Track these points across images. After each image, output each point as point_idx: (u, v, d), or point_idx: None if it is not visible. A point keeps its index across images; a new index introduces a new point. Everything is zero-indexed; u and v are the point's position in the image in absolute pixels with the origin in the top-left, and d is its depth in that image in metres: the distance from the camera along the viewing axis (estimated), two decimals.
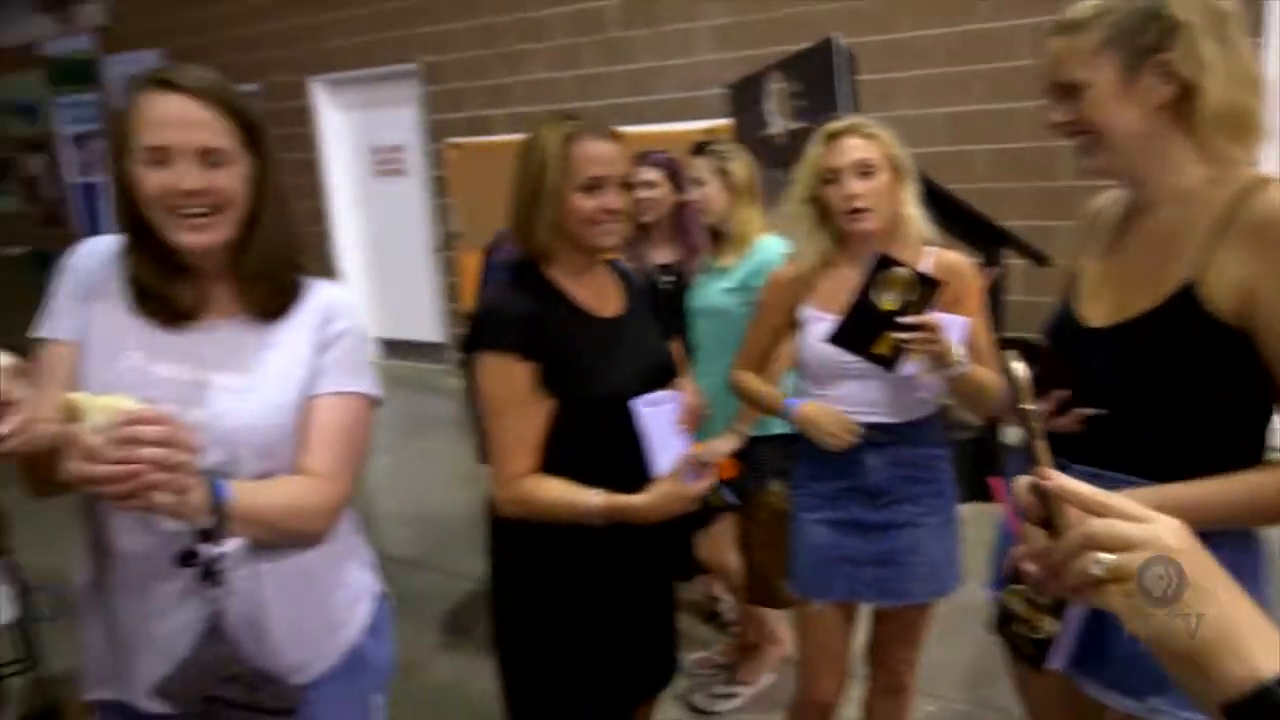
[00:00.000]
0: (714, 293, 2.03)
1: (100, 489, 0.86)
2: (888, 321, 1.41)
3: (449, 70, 4.94)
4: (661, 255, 2.17)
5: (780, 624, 2.23)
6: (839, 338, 1.45)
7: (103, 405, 0.86)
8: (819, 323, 1.52)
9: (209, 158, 1.01)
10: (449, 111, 5.01)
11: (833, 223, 1.52)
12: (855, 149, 1.47)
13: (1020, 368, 0.59)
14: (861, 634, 1.67)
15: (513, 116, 4.73)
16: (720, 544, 2.10)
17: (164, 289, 1.04)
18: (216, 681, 0.98)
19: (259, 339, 1.08)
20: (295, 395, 1.07)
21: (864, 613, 1.64)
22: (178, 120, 1.01)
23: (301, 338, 1.10)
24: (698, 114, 3.98)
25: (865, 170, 1.47)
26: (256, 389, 1.05)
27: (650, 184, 2.10)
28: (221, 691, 0.98)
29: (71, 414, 0.87)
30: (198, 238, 1.01)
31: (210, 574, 0.97)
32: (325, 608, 1.12)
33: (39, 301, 1.09)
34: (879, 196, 1.47)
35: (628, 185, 1.32)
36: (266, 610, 1.05)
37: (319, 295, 1.13)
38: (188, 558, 0.95)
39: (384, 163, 5.50)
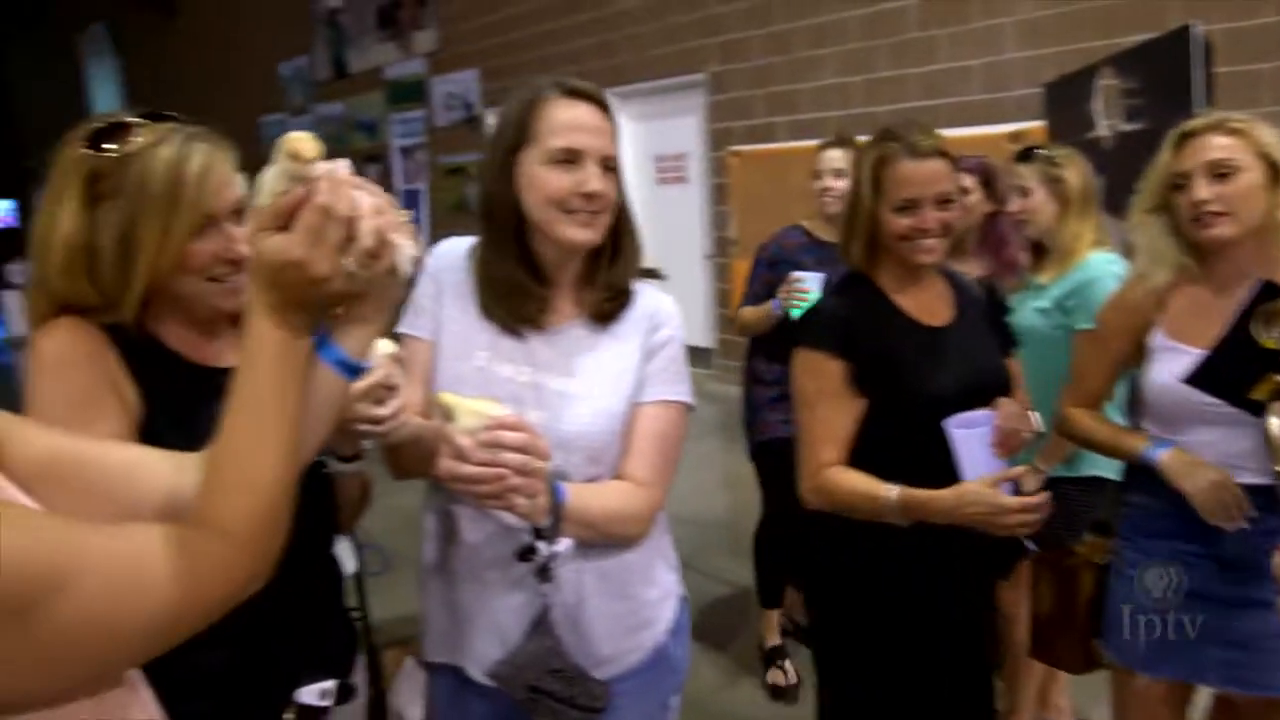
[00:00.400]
0: (1027, 312, 1.83)
1: (465, 488, 0.93)
2: (1271, 362, 1.18)
3: (735, 79, 4.98)
4: (971, 268, 2.01)
5: (1062, 693, 1.99)
6: (1204, 377, 1.23)
7: (472, 408, 0.93)
8: (1175, 356, 1.31)
9: (607, 163, 1.08)
10: (732, 120, 5.06)
11: (1188, 235, 1.32)
12: (1211, 148, 1.28)
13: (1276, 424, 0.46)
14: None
15: (796, 123, 4.67)
16: (1018, 593, 1.90)
17: (515, 292, 1.12)
18: (542, 673, 1.04)
19: (592, 344, 1.13)
20: (625, 402, 1.11)
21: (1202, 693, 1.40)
22: (590, 127, 1.09)
23: (632, 345, 1.14)
24: (1001, 117, 3.68)
25: (1221, 171, 1.27)
26: (591, 395, 1.09)
27: (962, 190, 1.95)
28: (545, 684, 1.03)
29: (444, 413, 0.95)
30: (586, 234, 1.08)
31: (543, 570, 1.02)
32: (637, 605, 1.16)
33: None
34: (1240, 200, 1.26)
35: (946, 201, 1.30)
36: (586, 604, 1.10)
37: (645, 301, 1.16)
38: (526, 553, 1.00)
39: (667, 171, 5.68)
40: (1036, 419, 1.36)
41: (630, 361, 1.13)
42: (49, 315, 1.02)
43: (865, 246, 1.36)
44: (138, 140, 1.00)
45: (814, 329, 1.38)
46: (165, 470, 0.74)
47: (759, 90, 4.85)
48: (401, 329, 1.15)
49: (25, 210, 16.65)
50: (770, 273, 2.51)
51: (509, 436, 0.92)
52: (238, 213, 1.06)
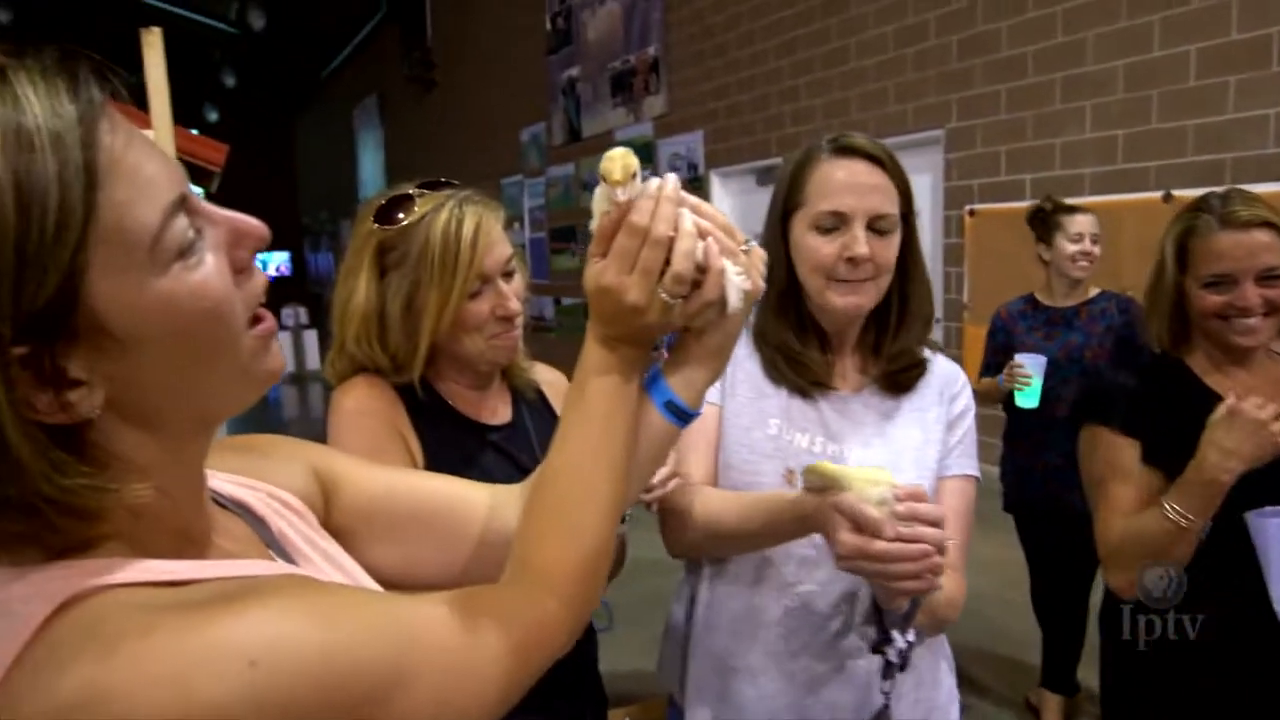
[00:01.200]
0: None
1: (876, 567, 0.83)
2: None
3: (976, 135, 4.73)
4: None
5: None
6: None
7: (869, 477, 0.85)
8: None
9: (879, 224, 1.01)
10: (971, 177, 4.80)
11: None
12: None
13: None
14: None
15: (1044, 181, 4.34)
16: None
17: (802, 356, 1.05)
18: None
19: (888, 412, 1.05)
20: (932, 477, 1.02)
21: None
22: (859, 186, 1.02)
23: (932, 415, 1.06)
24: None
25: None
26: (896, 468, 1.00)
27: None
28: None
29: (827, 482, 0.87)
30: (852, 300, 1.01)
31: (891, 664, 0.93)
32: (927, 709, 1.04)
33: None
34: None
35: (1272, 276, 1.17)
36: (890, 709, 0.99)
37: (939, 368, 1.07)
38: (880, 645, 0.91)
39: None
40: None
41: (934, 433, 1.04)
42: (347, 374, 1.11)
43: (1170, 326, 1.25)
44: (417, 211, 1.06)
45: (1099, 403, 1.28)
46: (483, 503, 0.73)
47: (1002, 146, 4.57)
48: None
49: (298, 260, 19.07)
50: (993, 342, 2.61)
51: (925, 508, 0.83)
52: (509, 273, 1.11)
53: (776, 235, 1.07)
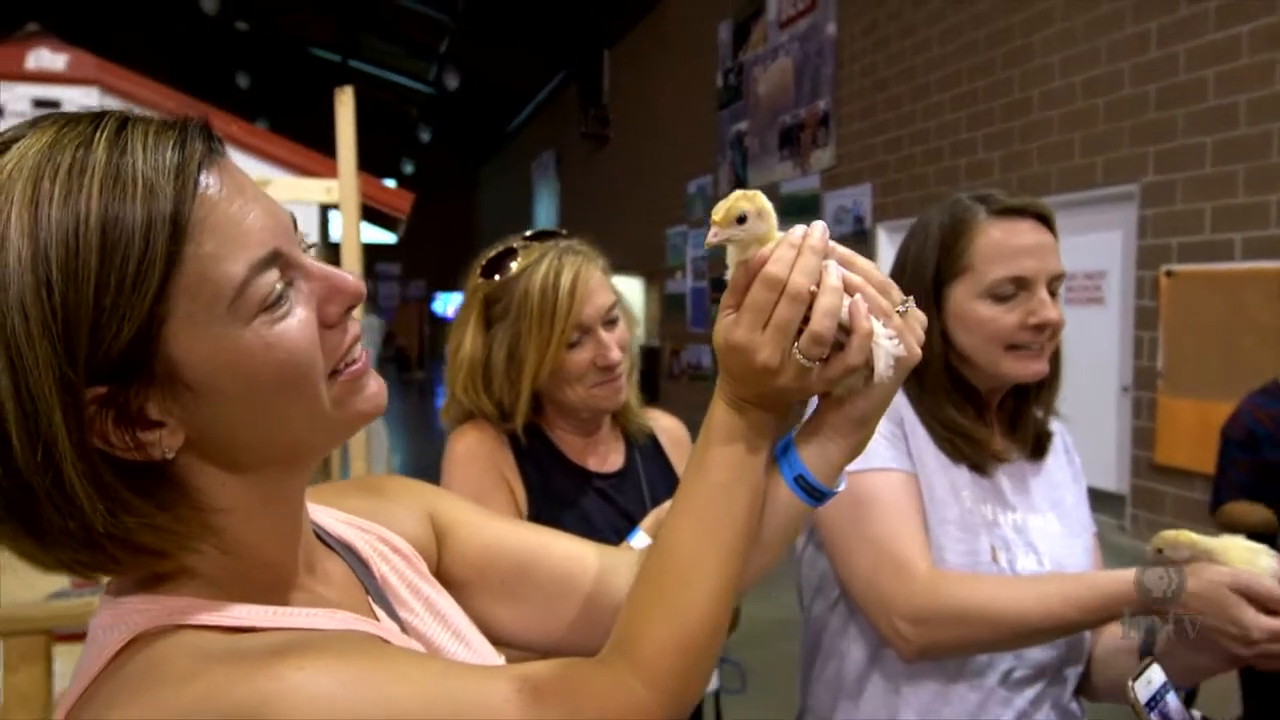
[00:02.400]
0: None
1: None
2: None
3: (1175, 190, 4.37)
4: None
5: None
6: None
7: (1250, 546, 0.79)
8: None
9: (1054, 284, 0.96)
10: (1168, 236, 4.42)
11: None
12: None
13: None
14: None
15: (1254, 240, 3.93)
16: None
17: (963, 430, 0.99)
18: None
19: (1042, 476, 1.00)
20: (1089, 535, 0.98)
21: None
22: (1034, 247, 0.96)
23: (1067, 475, 1.03)
24: None
25: None
26: (1073, 532, 0.96)
27: None
28: None
29: (1196, 553, 0.81)
30: (1036, 367, 0.95)
31: None
32: None
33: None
34: None
35: None
36: None
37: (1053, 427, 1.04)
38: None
39: (1078, 290, 5.12)
40: None
41: (1079, 492, 1.02)
42: (460, 421, 1.16)
43: None
44: (519, 263, 1.09)
45: None
46: (592, 564, 0.70)
47: (1208, 203, 4.18)
48: (876, 464, 1.00)
49: None
50: (1250, 456, 2.06)
51: None
52: (611, 321, 1.12)
53: (922, 305, 1.01)
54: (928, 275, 1.00)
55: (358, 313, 0.56)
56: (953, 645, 0.93)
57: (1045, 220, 0.98)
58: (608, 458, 1.20)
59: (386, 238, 6.40)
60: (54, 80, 3.94)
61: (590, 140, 12.18)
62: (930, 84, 6.00)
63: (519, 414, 1.10)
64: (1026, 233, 0.96)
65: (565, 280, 1.07)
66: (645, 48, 10.74)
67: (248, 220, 0.48)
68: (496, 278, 1.11)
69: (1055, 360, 1.00)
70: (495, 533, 0.71)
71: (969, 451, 0.97)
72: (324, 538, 0.62)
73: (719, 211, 0.55)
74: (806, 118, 7.43)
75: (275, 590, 0.54)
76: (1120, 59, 4.56)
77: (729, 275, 0.57)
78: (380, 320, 14.42)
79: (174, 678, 0.44)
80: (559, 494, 1.11)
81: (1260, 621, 0.73)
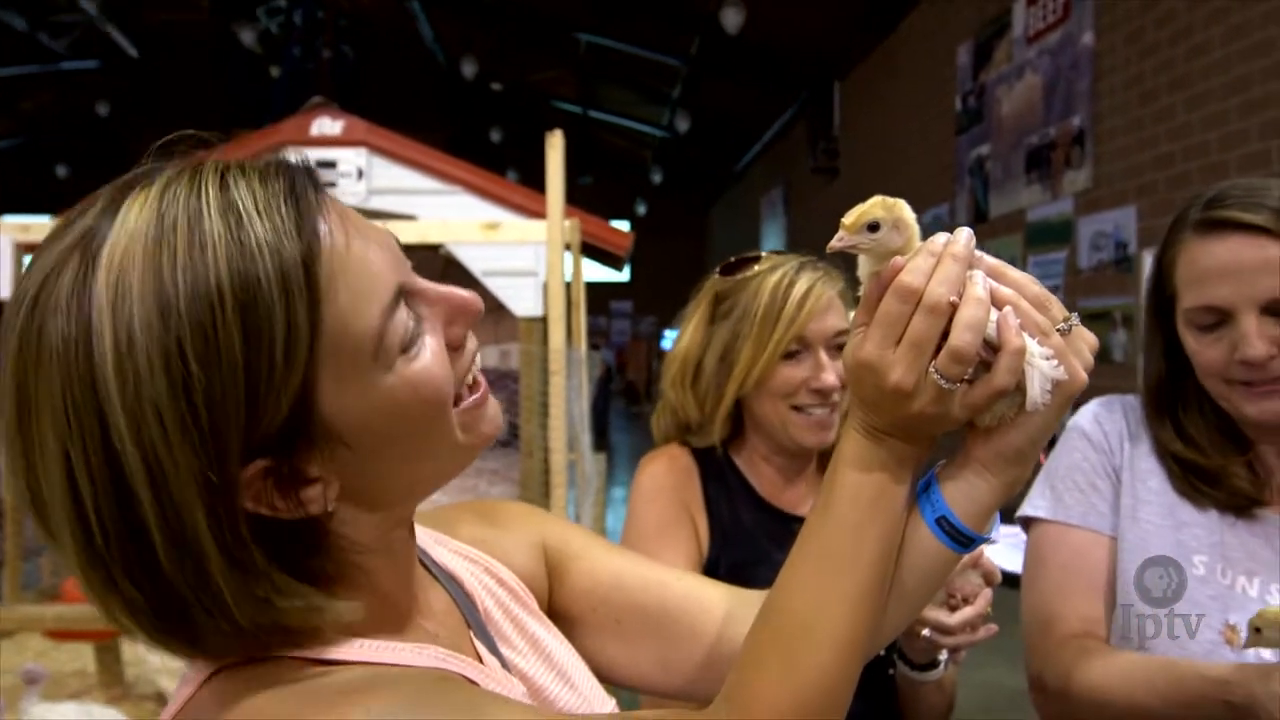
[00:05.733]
0: None
1: None
2: None
3: None
4: None
5: None
6: None
7: None
8: None
9: (1275, 307, 0.77)
10: None
11: None
12: None
13: None
14: None
15: None
16: None
17: (1220, 467, 0.82)
18: None
19: None
20: None
21: None
22: (1236, 268, 0.80)
23: None
24: None
25: None
26: None
27: None
28: None
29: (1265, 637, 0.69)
30: (1265, 406, 0.77)
31: None
32: None
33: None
34: None
35: None
36: None
37: None
38: None
39: None
40: None
41: None
42: (669, 435, 1.11)
43: None
44: (758, 267, 1.07)
45: None
46: (720, 608, 0.64)
47: None
48: (1060, 516, 0.91)
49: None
50: None
51: None
52: (838, 346, 1.04)
53: (1152, 326, 0.89)
54: (1151, 302, 0.88)
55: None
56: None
57: (1266, 231, 0.78)
58: (807, 500, 1.11)
59: (615, 275, 6.67)
60: (330, 144, 4.50)
61: (820, 175, 12.02)
62: (1211, 91, 5.27)
63: (718, 420, 1.06)
64: (1230, 251, 0.79)
65: (799, 289, 1.03)
66: (878, 76, 10.45)
67: (372, 257, 0.47)
68: (734, 277, 1.09)
69: None
70: (612, 567, 0.67)
71: (1212, 493, 0.81)
72: (429, 567, 0.60)
73: (850, 216, 0.50)
74: (1057, 137, 6.82)
75: (390, 622, 0.52)
76: None
77: (862, 290, 0.52)
78: (599, 354, 15.07)
79: (250, 712, 0.43)
80: (744, 530, 1.06)
81: None
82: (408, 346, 0.47)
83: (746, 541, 1.04)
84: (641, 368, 18.87)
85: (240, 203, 0.43)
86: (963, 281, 0.48)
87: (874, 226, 0.50)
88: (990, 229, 7.81)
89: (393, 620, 0.53)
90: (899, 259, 0.49)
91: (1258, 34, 4.91)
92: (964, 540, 0.53)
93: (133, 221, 0.43)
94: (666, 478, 1.06)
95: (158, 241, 0.41)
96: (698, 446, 1.11)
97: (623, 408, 17.39)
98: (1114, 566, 0.87)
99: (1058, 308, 0.50)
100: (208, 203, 0.43)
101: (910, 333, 0.48)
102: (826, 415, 1.04)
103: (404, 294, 0.48)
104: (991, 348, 0.48)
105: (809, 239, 12.92)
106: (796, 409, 1.03)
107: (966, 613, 0.83)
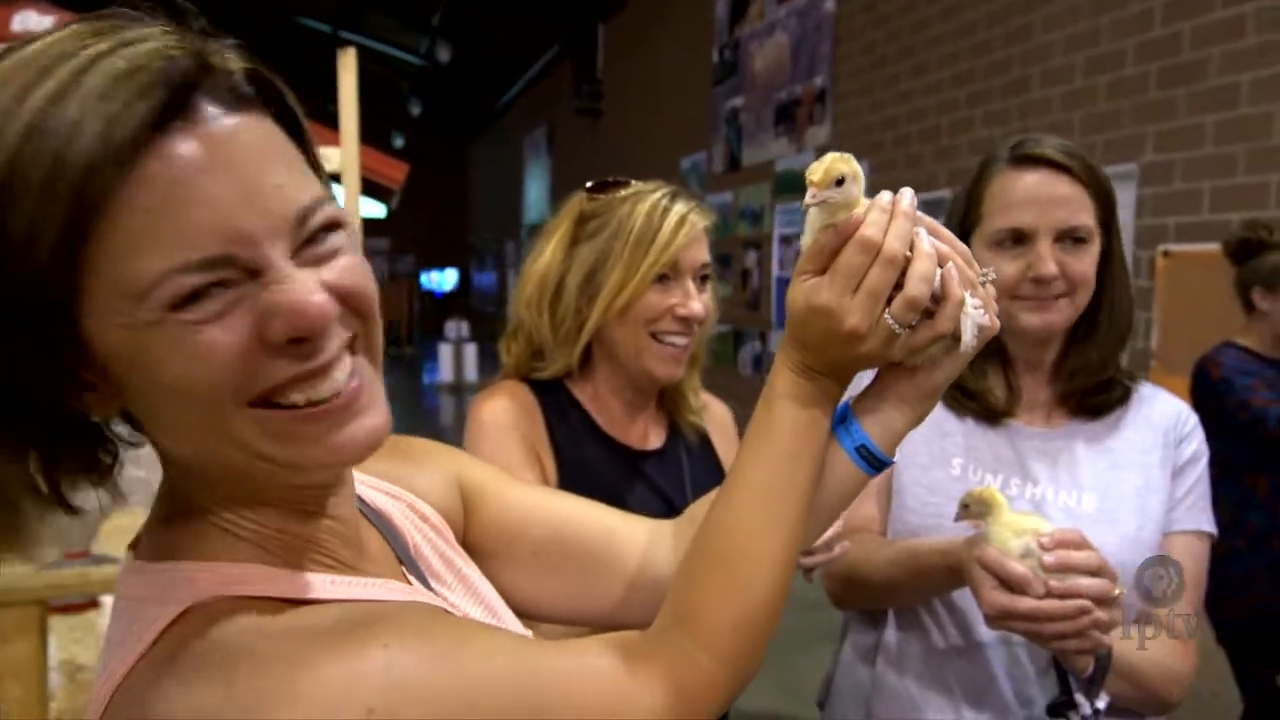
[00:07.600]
0: None
1: (1027, 627, 0.75)
2: None
3: (1174, 170, 4.35)
4: None
5: None
6: None
7: (1014, 524, 0.78)
8: None
9: (1071, 235, 0.92)
10: (1165, 216, 4.41)
11: None
12: None
13: None
14: None
15: (1252, 223, 3.92)
16: None
17: (981, 383, 0.97)
18: None
19: (1100, 452, 0.93)
20: (1156, 530, 0.90)
21: None
22: (1043, 197, 0.93)
23: (1153, 458, 0.93)
24: None
25: None
26: (1114, 518, 0.90)
27: None
28: None
29: (985, 510, 0.80)
30: (1043, 318, 0.92)
31: None
32: None
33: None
34: None
35: None
36: None
37: (1164, 406, 0.95)
38: (1059, 709, 0.81)
39: None
40: None
41: (1155, 479, 0.92)
42: (520, 361, 1.08)
43: None
44: (630, 189, 1.05)
45: None
46: (640, 538, 0.66)
47: (1207, 182, 4.17)
48: None
49: (465, 278, 20.10)
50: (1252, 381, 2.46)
51: (1079, 557, 0.74)
52: (704, 278, 1.06)
53: None
54: (956, 222, 0.98)
55: None
56: (838, 598, 1.04)
57: (1067, 170, 0.93)
58: (647, 436, 1.12)
59: (377, 210, 6.27)
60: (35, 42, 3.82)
61: (583, 115, 12.05)
62: (930, 62, 5.95)
63: (575, 346, 1.04)
64: (1037, 183, 0.93)
65: (674, 214, 1.02)
66: (642, 21, 10.61)
67: (189, 214, 0.41)
68: (603, 196, 1.05)
69: (1095, 310, 0.95)
70: (527, 501, 0.67)
71: (971, 405, 0.95)
72: (361, 507, 0.58)
73: (816, 172, 0.54)
74: (803, 95, 7.37)
75: (321, 559, 0.50)
76: (1123, 37, 4.53)
77: (805, 240, 0.56)
78: None
79: (247, 661, 0.40)
80: (592, 468, 1.04)
81: (991, 597, 0.74)
82: (181, 308, 0.42)
83: (594, 479, 1.02)
84: (402, 310, 18.13)
85: (86, 81, 0.39)
86: (912, 237, 0.53)
87: (840, 181, 0.53)
88: (742, 177, 8.32)
89: (335, 558, 0.52)
90: (858, 213, 0.53)
91: (968, 14, 5.59)
92: (878, 464, 0.60)
93: (32, 44, 0.41)
94: (508, 414, 1.02)
95: (12, 68, 0.40)
96: (536, 379, 1.07)
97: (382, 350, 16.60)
98: (890, 472, 0.98)
99: (976, 265, 0.57)
100: (71, 64, 0.40)
101: (868, 282, 0.52)
102: (681, 350, 1.04)
103: (233, 267, 0.43)
104: (935, 298, 0.54)
105: (572, 180, 12.90)
106: (655, 338, 1.02)
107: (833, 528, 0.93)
